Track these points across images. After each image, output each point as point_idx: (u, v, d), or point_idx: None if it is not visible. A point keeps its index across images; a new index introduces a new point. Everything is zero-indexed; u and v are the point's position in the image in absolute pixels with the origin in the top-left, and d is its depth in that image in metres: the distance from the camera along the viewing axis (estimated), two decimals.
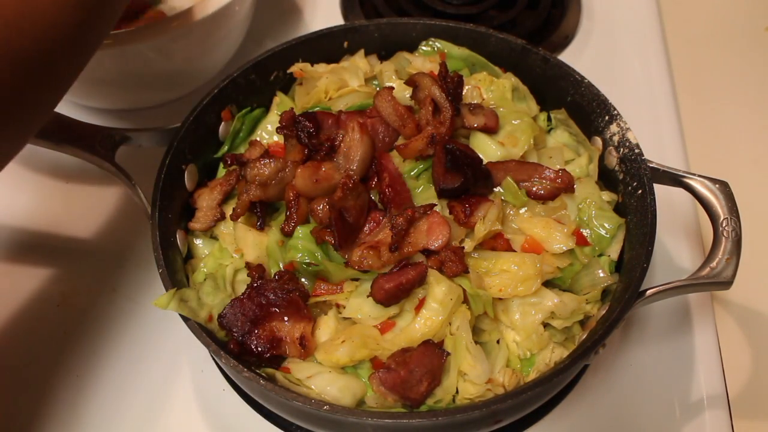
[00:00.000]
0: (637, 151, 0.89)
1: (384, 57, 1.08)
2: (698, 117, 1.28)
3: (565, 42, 1.35)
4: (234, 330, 0.80)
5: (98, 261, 1.08)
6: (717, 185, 0.85)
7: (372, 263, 0.81)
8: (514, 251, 0.85)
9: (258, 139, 1.00)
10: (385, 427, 0.77)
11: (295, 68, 1.03)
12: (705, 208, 0.85)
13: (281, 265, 0.86)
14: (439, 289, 0.80)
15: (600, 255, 0.88)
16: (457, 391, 0.79)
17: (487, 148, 0.92)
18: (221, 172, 0.98)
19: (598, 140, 0.96)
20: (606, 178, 0.95)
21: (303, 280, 0.85)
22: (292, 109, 0.91)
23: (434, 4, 1.34)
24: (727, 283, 0.81)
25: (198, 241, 0.93)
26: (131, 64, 1.10)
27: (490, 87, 1.00)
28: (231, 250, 0.90)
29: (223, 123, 0.99)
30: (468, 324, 0.80)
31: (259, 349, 0.80)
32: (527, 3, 1.37)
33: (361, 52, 1.06)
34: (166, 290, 0.80)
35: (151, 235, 0.84)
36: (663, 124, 1.23)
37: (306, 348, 0.81)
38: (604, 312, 0.83)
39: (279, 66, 1.03)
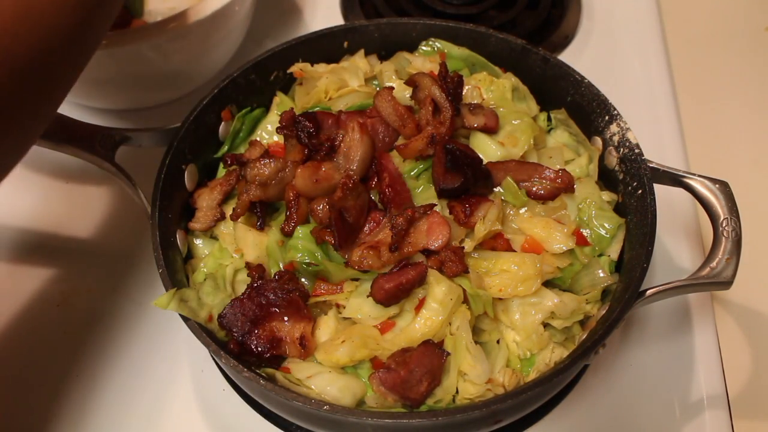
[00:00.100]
0: (637, 151, 0.89)
1: (384, 57, 1.07)
2: (698, 117, 1.28)
3: (565, 42, 1.35)
4: (234, 330, 0.80)
5: (98, 261, 1.08)
6: (717, 185, 0.85)
7: (372, 263, 0.81)
8: (514, 251, 0.85)
9: (258, 139, 1.00)
10: (385, 427, 0.77)
11: (295, 68, 1.03)
12: (705, 208, 0.85)
13: (281, 265, 0.86)
14: (439, 289, 0.80)
15: (600, 255, 0.88)
16: (457, 391, 0.79)
17: (487, 148, 0.92)
18: (221, 172, 0.98)
19: (598, 140, 0.96)
20: (606, 178, 0.95)
21: (303, 280, 0.85)
22: (292, 109, 0.91)
23: (434, 4, 1.34)
24: (727, 283, 0.81)
25: (198, 241, 0.93)
26: (131, 65, 1.10)
27: (490, 87, 1.00)
28: (231, 250, 0.90)
29: (223, 123, 0.99)
30: (468, 324, 0.80)
31: (259, 349, 0.80)
32: (527, 3, 1.37)
33: (361, 52, 1.06)
34: (166, 290, 0.80)
35: (151, 235, 0.84)
36: (663, 124, 1.23)
37: (306, 348, 0.81)
38: (604, 312, 0.83)
39: (279, 66, 1.03)
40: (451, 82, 0.91)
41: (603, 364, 0.97)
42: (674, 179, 0.88)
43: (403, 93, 0.97)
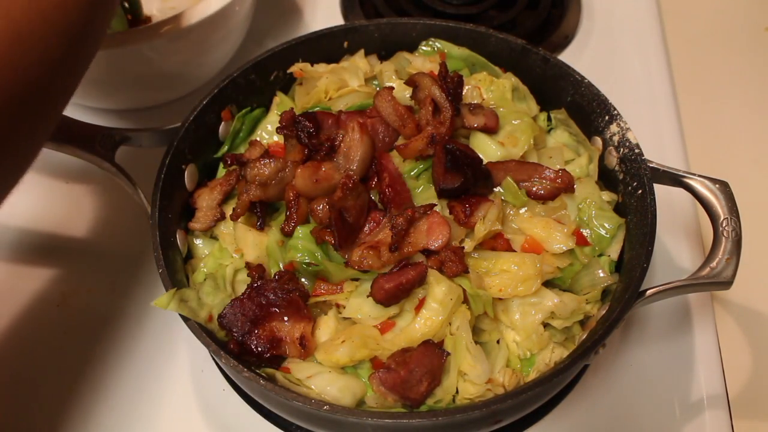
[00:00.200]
0: (637, 151, 0.89)
1: (384, 57, 1.07)
2: (698, 117, 1.28)
3: (565, 42, 1.35)
4: (234, 330, 0.80)
5: (98, 261, 1.08)
6: (717, 185, 0.85)
7: (372, 263, 0.81)
8: (514, 251, 0.85)
9: (258, 139, 1.00)
10: (385, 427, 0.77)
11: (295, 68, 1.03)
12: (705, 208, 0.85)
13: (281, 265, 0.86)
14: (439, 289, 0.80)
15: (600, 255, 0.88)
16: (457, 391, 0.79)
17: (487, 148, 0.92)
18: (221, 172, 0.98)
19: (598, 140, 0.96)
20: (606, 178, 0.95)
21: (303, 280, 0.85)
22: (292, 109, 0.91)
23: (434, 4, 1.34)
24: (727, 283, 0.81)
25: (198, 241, 0.93)
26: (131, 65, 1.10)
27: (490, 87, 1.00)
28: (231, 250, 0.90)
29: (223, 123, 0.99)
30: (468, 324, 0.80)
31: (259, 349, 0.80)
32: (527, 3, 1.36)
33: (361, 52, 1.06)
34: (166, 290, 0.80)
35: (151, 235, 0.84)
36: (663, 124, 1.23)
37: (306, 348, 0.81)
38: (604, 312, 0.83)
39: (279, 66, 1.03)
40: (451, 82, 0.91)
41: (603, 364, 0.97)
42: (674, 179, 0.88)
43: (403, 93, 0.97)
